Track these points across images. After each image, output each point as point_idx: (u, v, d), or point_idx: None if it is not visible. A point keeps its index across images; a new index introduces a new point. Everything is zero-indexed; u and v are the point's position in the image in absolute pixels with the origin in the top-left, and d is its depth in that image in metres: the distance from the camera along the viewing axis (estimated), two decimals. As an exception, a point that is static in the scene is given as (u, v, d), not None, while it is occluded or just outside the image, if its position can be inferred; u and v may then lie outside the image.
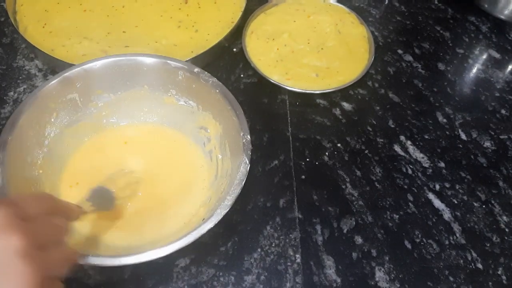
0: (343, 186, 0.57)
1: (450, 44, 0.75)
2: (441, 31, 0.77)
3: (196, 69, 0.53)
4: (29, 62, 0.67)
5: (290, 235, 0.53)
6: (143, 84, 0.56)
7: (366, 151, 0.61)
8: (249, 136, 0.48)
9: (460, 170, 0.60)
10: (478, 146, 0.63)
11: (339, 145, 0.61)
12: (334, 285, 0.49)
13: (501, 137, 0.64)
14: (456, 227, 0.55)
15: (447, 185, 0.58)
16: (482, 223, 0.55)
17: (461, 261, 0.52)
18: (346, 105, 0.66)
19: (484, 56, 0.75)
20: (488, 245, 0.54)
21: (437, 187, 0.58)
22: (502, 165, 0.61)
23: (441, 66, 0.72)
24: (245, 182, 0.45)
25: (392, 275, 0.51)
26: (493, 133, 0.64)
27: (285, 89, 0.65)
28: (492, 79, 0.71)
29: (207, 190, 0.53)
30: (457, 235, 0.54)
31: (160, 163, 0.56)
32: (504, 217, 0.56)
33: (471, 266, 0.52)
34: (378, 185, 0.58)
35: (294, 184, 0.57)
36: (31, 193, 0.45)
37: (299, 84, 0.65)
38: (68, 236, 0.37)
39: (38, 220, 0.33)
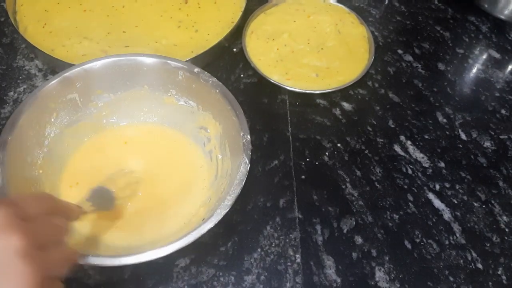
0: (343, 186, 0.57)
1: (450, 44, 0.75)
2: (441, 31, 0.77)
3: (196, 69, 0.53)
4: (29, 62, 0.67)
5: (290, 235, 0.53)
6: (143, 84, 0.56)
7: (366, 151, 0.61)
8: (249, 136, 0.48)
9: (460, 170, 0.60)
10: (478, 146, 0.63)
11: (339, 145, 0.61)
12: (334, 285, 0.49)
13: (501, 137, 0.64)
14: (456, 227, 0.55)
15: (447, 185, 0.58)
16: (482, 223, 0.55)
17: (461, 261, 0.52)
18: (346, 105, 0.66)
19: (484, 56, 0.75)
20: (488, 245, 0.54)
21: (437, 187, 0.58)
22: (502, 165, 0.61)
23: (441, 66, 0.72)
24: (245, 182, 0.45)
25: (392, 275, 0.51)
26: (493, 133, 0.64)
27: (285, 89, 0.65)
28: (492, 79, 0.71)
29: (207, 190, 0.53)
30: (457, 235, 0.54)
31: (160, 163, 0.56)
32: (504, 217, 0.56)
33: (471, 266, 0.52)
34: (378, 185, 0.58)
35: (294, 184, 0.57)
36: (31, 193, 0.45)
37: (299, 84, 0.65)
38: (68, 236, 0.37)
39: (38, 220, 0.33)
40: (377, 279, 0.50)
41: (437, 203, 0.57)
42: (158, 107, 0.57)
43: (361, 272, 0.51)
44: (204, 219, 0.43)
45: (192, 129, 0.57)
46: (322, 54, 0.69)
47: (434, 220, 0.55)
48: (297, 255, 0.51)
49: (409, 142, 0.62)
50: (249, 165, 0.46)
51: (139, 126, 0.58)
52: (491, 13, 0.79)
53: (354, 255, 0.52)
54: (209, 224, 0.42)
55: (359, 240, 0.53)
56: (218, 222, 0.42)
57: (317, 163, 0.59)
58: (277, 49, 0.69)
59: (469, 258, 0.52)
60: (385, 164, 0.60)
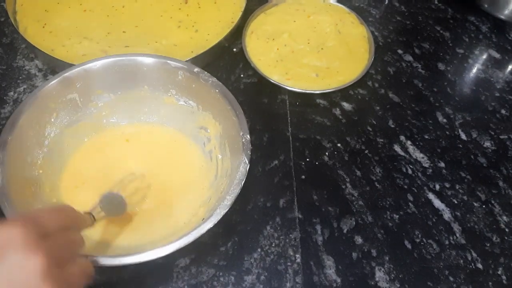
0: (343, 186, 0.57)
1: (450, 44, 0.75)
2: (441, 31, 0.77)
3: (196, 69, 0.53)
4: (29, 62, 0.67)
5: (290, 235, 0.53)
6: (143, 84, 0.56)
7: (366, 151, 0.61)
8: (248, 136, 0.48)
9: (460, 170, 0.60)
10: (478, 146, 0.63)
11: (339, 145, 0.61)
12: (334, 285, 0.49)
13: (501, 137, 0.64)
14: (456, 227, 0.55)
15: (447, 185, 0.58)
16: (482, 223, 0.55)
17: (461, 261, 0.52)
18: (346, 105, 0.66)
19: (484, 56, 0.75)
20: (488, 245, 0.54)
21: (437, 187, 0.58)
22: (502, 165, 0.61)
23: (441, 66, 0.72)
24: (245, 182, 0.45)
25: (392, 275, 0.51)
26: (493, 133, 0.64)
27: (285, 89, 0.65)
28: (492, 79, 0.71)
29: (207, 190, 0.53)
30: (457, 235, 0.54)
31: (160, 163, 0.56)
32: (504, 217, 0.56)
33: (471, 266, 0.52)
34: (378, 185, 0.58)
35: (294, 184, 0.57)
36: (47, 206, 0.45)
37: (299, 84, 0.65)
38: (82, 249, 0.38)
39: (55, 237, 0.34)
40: (377, 279, 0.50)
41: (437, 203, 0.57)
42: (158, 107, 0.57)
43: (361, 272, 0.51)
44: (203, 219, 0.43)
45: (192, 129, 0.57)
46: (322, 54, 0.69)
47: (434, 220, 0.55)
48: (297, 255, 0.51)
49: (409, 142, 0.62)
50: (248, 165, 0.46)
51: (139, 126, 0.58)
52: (491, 13, 0.79)
53: (354, 255, 0.52)
54: (209, 224, 0.42)
55: (359, 240, 0.53)
56: (218, 222, 0.43)
57: (317, 163, 0.59)
58: (277, 49, 0.69)
59: (469, 258, 0.52)
60: (385, 164, 0.60)
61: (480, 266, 0.52)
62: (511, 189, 0.59)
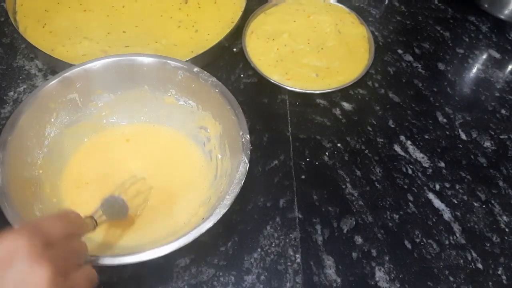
0: (343, 186, 0.57)
1: (450, 44, 0.75)
2: (441, 31, 0.77)
3: (196, 69, 0.53)
4: (29, 62, 0.67)
5: (290, 235, 0.53)
6: (143, 84, 0.56)
7: (366, 151, 0.61)
8: (248, 136, 0.48)
9: (460, 170, 0.60)
10: (478, 146, 0.63)
11: (339, 145, 0.61)
12: (334, 285, 0.49)
13: (501, 137, 0.64)
14: (456, 227, 0.55)
15: (447, 185, 0.58)
16: (482, 223, 0.55)
17: (461, 261, 0.52)
18: (346, 105, 0.66)
19: (484, 56, 0.75)
20: (488, 245, 0.54)
21: (437, 187, 0.58)
22: (502, 165, 0.61)
23: (441, 66, 0.72)
24: (245, 182, 0.45)
25: (392, 275, 0.51)
26: (493, 133, 0.64)
27: (285, 89, 0.65)
28: (492, 79, 0.71)
29: (206, 190, 0.53)
30: (457, 235, 0.54)
31: (160, 163, 0.56)
32: (504, 217, 0.56)
33: (471, 266, 0.52)
34: (378, 185, 0.58)
35: (294, 184, 0.57)
36: (50, 213, 0.44)
37: (299, 84, 0.65)
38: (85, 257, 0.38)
39: (60, 246, 0.34)
40: (377, 279, 0.50)
41: (437, 203, 0.57)
42: (158, 107, 0.58)
43: (361, 272, 0.51)
44: (203, 218, 0.43)
45: (192, 129, 0.57)
46: (322, 54, 0.69)
47: (434, 220, 0.55)
48: (297, 255, 0.51)
49: (409, 142, 0.62)
50: (248, 165, 0.46)
51: (139, 126, 0.58)
52: (491, 13, 0.79)
53: (354, 255, 0.52)
54: (208, 224, 0.42)
55: (359, 240, 0.53)
56: (218, 222, 0.43)
57: (317, 163, 0.59)
58: (277, 49, 0.69)
59: (469, 258, 0.52)
60: (385, 164, 0.60)
61: (480, 266, 0.52)
62: (511, 189, 0.59)
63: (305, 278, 0.50)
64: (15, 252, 0.30)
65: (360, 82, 0.66)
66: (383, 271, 0.51)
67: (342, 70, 0.67)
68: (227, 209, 0.43)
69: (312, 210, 0.55)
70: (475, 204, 0.57)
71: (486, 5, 0.78)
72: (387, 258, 0.52)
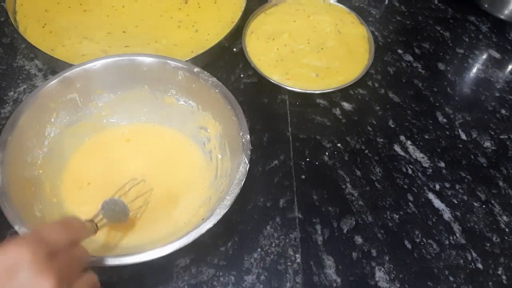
0: (343, 186, 0.57)
1: (450, 44, 0.75)
2: (441, 31, 0.77)
3: (196, 69, 0.53)
4: (29, 62, 0.67)
5: (290, 235, 0.53)
6: (143, 84, 0.56)
7: (366, 151, 0.61)
8: (248, 136, 0.48)
9: (460, 170, 0.60)
10: (478, 146, 0.63)
11: (339, 145, 0.61)
12: (334, 285, 0.49)
13: (501, 137, 0.64)
14: (456, 227, 0.55)
15: (447, 185, 0.58)
16: (482, 223, 0.55)
17: (461, 261, 0.52)
18: (346, 105, 0.66)
19: (484, 56, 0.75)
20: (488, 245, 0.54)
21: (437, 187, 0.58)
22: (502, 165, 0.61)
23: (441, 66, 0.72)
24: (245, 182, 0.45)
25: (392, 275, 0.51)
26: (493, 133, 0.64)
27: (285, 89, 0.65)
28: (492, 79, 0.71)
29: (207, 190, 0.53)
30: (457, 235, 0.54)
31: (160, 163, 0.56)
32: (504, 217, 0.56)
33: (471, 266, 0.52)
34: (378, 185, 0.58)
35: (294, 184, 0.57)
36: (52, 221, 0.44)
37: (299, 84, 0.65)
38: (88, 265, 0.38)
39: (63, 255, 0.34)
40: (377, 279, 0.50)
41: (437, 203, 0.57)
42: (158, 107, 0.57)
43: (361, 272, 0.51)
44: (203, 219, 0.43)
45: (192, 129, 0.57)
46: (322, 54, 0.69)
47: (434, 220, 0.55)
48: (297, 255, 0.51)
49: (409, 142, 0.62)
50: (248, 165, 0.46)
51: (139, 126, 0.58)
52: (491, 13, 0.79)
53: (354, 255, 0.52)
54: (209, 224, 0.42)
55: (359, 240, 0.53)
56: (218, 222, 0.43)
57: (317, 163, 0.59)
58: (277, 49, 0.69)
59: (469, 258, 0.52)
60: (385, 164, 0.60)
61: (480, 266, 0.52)
62: (511, 189, 0.59)
63: (305, 278, 0.50)
64: (19, 263, 0.30)
65: (360, 82, 0.66)
66: (383, 271, 0.51)
67: (342, 70, 0.67)
68: (227, 209, 0.43)
69: (312, 210, 0.55)
70: (475, 204, 0.57)
71: (486, 5, 0.78)
72: (387, 258, 0.52)
